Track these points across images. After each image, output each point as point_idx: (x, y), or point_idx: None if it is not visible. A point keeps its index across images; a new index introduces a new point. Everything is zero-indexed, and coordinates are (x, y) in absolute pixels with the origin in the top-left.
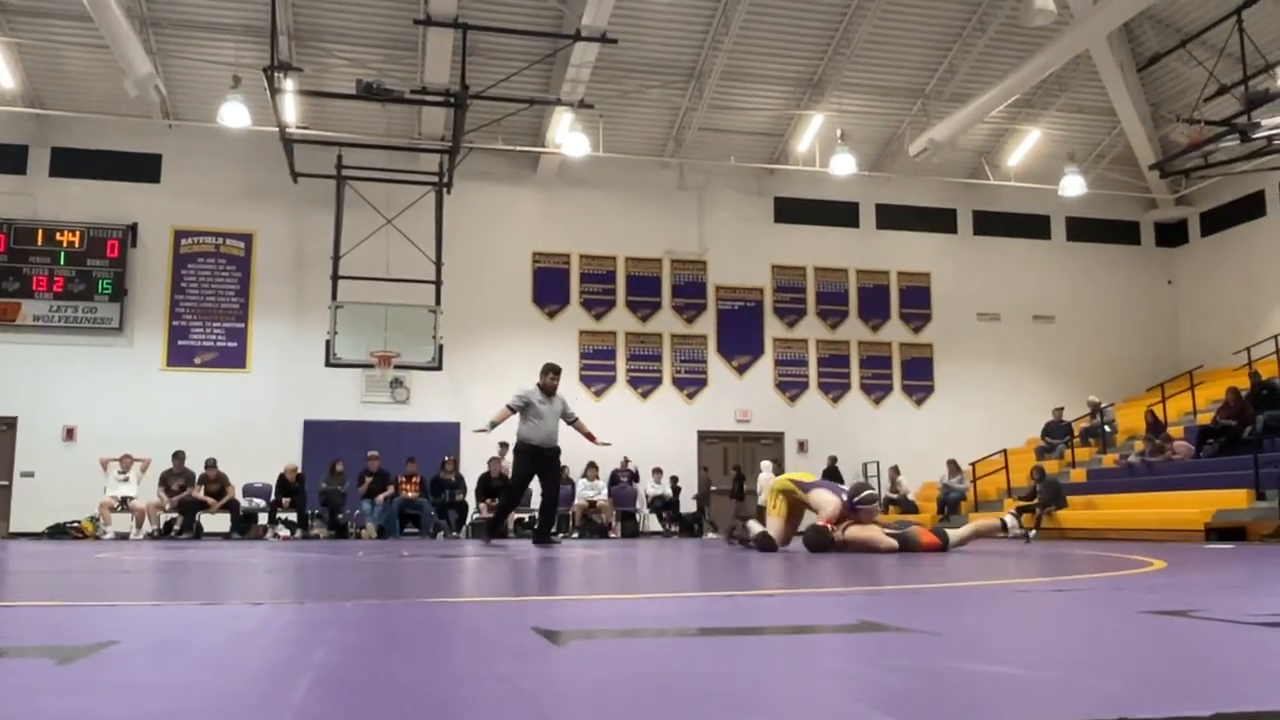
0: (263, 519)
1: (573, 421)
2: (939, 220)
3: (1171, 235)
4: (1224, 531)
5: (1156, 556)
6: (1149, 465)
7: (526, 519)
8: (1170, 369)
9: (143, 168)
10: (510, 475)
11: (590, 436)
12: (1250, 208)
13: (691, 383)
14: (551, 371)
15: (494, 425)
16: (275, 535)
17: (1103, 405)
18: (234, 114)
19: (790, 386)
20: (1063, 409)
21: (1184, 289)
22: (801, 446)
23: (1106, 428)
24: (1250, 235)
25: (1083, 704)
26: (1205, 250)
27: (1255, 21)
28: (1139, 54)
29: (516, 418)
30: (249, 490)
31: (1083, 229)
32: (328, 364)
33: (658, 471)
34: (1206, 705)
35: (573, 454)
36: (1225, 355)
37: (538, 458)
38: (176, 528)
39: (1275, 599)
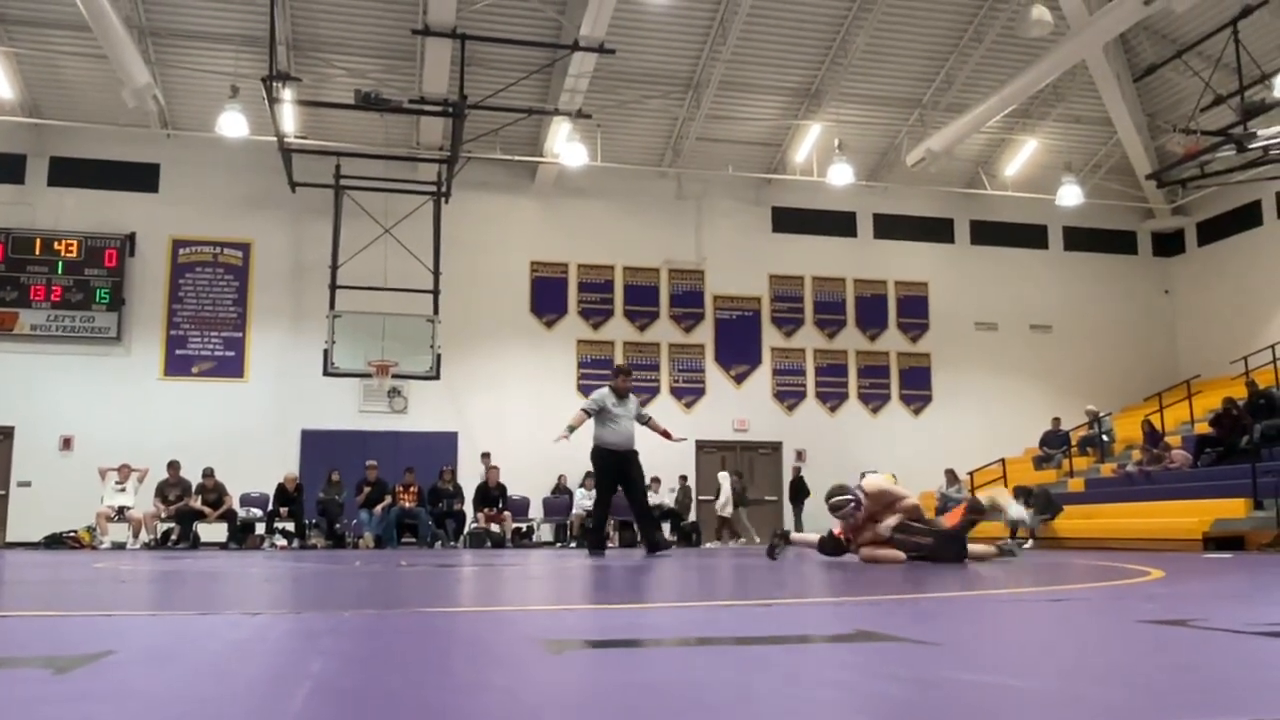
0: (260, 529)
1: (646, 421)
2: (936, 230)
3: (1168, 245)
4: (1222, 541)
5: (1155, 566)
6: (1147, 475)
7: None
8: (1168, 378)
9: (141, 177)
10: (596, 482)
11: (666, 434)
12: (1246, 217)
13: (689, 392)
14: (622, 373)
15: (572, 430)
16: (272, 545)
17: (1100, 415)
18: (232, 124)
19: (788, 396)
20: (1060, 419)
21: (1181, 298)
22: (799, 455)
23: (1104, 437)
24: (1247, 245)
25: (1081, 714)
26: (1202, 260)
27: (1251, 32)
28: (1135, 64)
29: (592, 423)
30: (246, 500)
31: (1080, 239)
32: (325, 373)
33: (656, 481)
34: (1205, 715)
35: (571, 464)
36: (1222, 365)
37: (615, 461)
38: (173, 538)
39: (1274, 608)
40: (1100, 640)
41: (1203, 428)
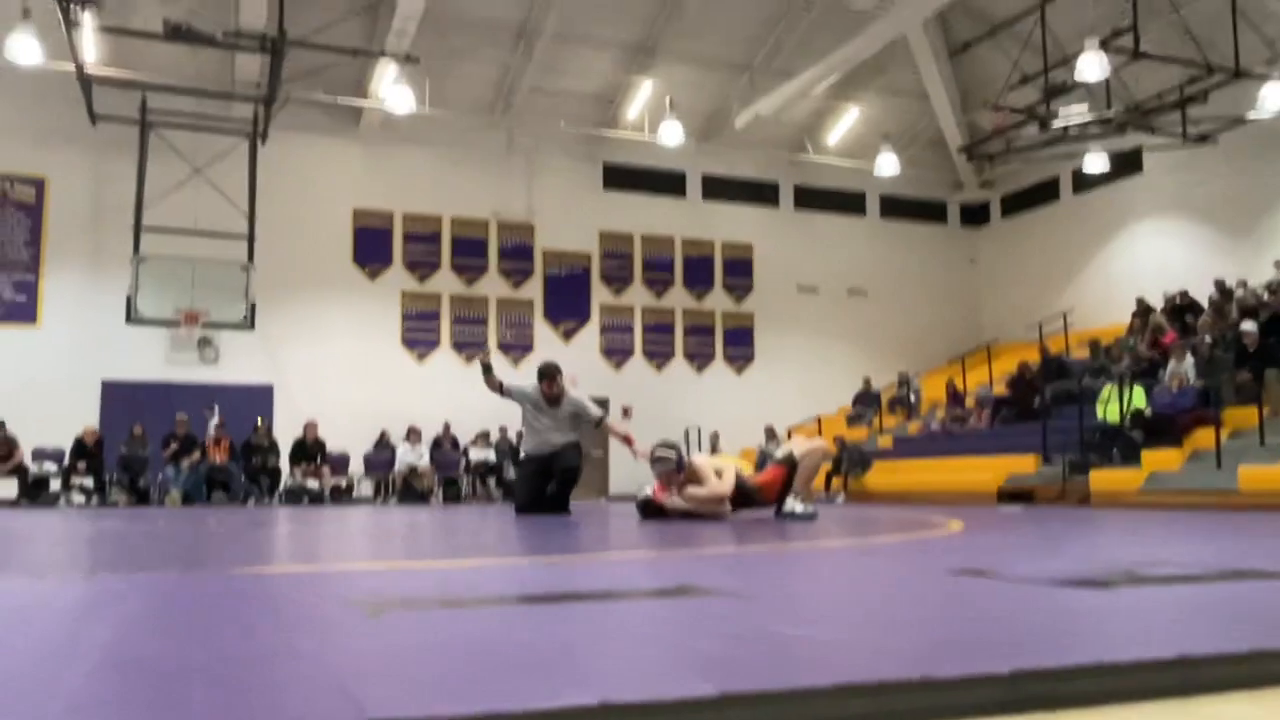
0: (55, 485)
1: (599, 423)
2: (762, 193)
3: (975, 216)
4: (1014, 495)
5: (955, 518)
6: (949, 433)
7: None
8: (971, 342)
9: None
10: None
11: (627, 440)
12: (1046, 193)
13: (517, 348)
14: (546, 377)
15: (486, 370)
16: (69, 502)
17: (909, 376)
18: (23, 49)
19: (616, 353)
20: (870, 379)
21: (985, 267)
22: (626, 413)
23: (912, 397)
24: (1046, 218)
25: (889, 663)
26: (1005, 231)
27: (1056, 15)
28: (952, 41)
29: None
30: (39, 454)
31: (895, 207)
32: (129, 321)
33: (483, 436)
34: (1005, 663)
35: (393, 418)
36: (1019, 330)
37: (538, 469)
38: None
39: (1061, 560)
40: (907, 591)
41: (1000, 389)
